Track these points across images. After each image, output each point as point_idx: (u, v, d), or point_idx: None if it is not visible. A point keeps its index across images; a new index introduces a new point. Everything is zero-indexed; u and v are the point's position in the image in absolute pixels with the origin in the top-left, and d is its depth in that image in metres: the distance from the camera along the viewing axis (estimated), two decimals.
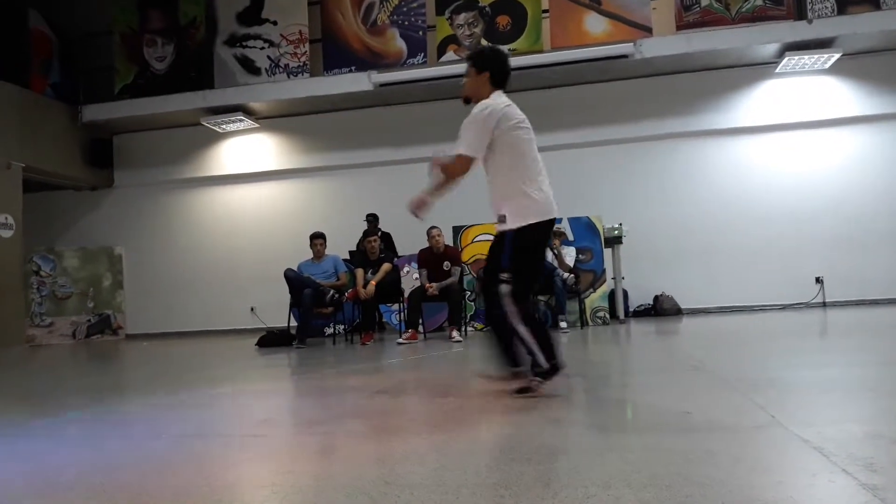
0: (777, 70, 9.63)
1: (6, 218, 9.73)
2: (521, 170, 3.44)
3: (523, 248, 3.42)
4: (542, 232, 3.45)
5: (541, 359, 3.36)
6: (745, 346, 5.66)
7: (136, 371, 6.48)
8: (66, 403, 4.15)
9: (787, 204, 9.78)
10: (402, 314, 8.16)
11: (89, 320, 11.34)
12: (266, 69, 10.56)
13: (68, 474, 2.36)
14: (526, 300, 3.43)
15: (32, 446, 2.92)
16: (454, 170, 3.46)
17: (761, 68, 9.78)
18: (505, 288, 3.34)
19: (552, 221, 3.46)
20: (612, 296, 8.91)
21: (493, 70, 3.55)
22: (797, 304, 9.62)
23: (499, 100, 3.49)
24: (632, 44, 9.30)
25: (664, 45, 9.38)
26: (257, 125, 11.23)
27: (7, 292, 9.51)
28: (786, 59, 9.25)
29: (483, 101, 3.47)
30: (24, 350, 9.61)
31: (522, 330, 3.35)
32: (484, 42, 9.78)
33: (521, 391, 3.38)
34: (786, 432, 2.40)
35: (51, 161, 10.74)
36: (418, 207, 3.58)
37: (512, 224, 3.41)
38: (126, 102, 11.02)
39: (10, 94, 10.08)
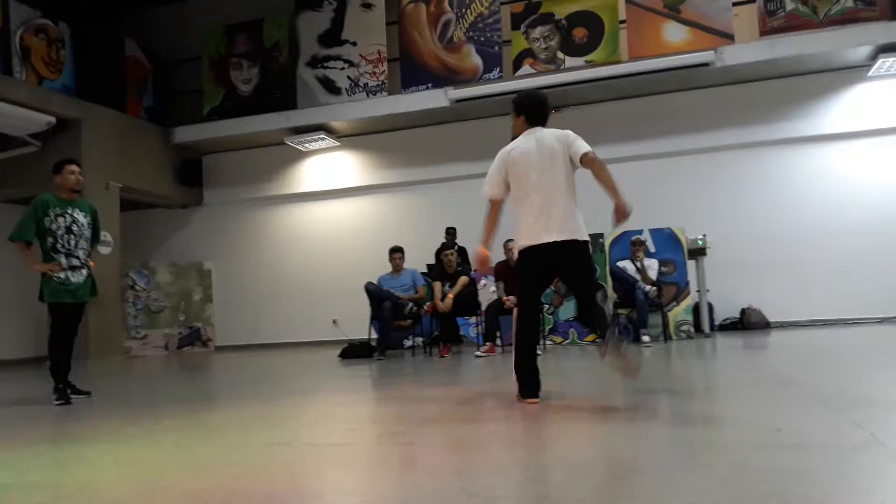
0: (869, 73, 9.21)
1: (105, 235, 10.27)
2: (516, 202, 3.90)
3: (517, 271, 3.99)
4: (527, 258, 3.83)
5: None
6: (839, 361, 5.41)
7: (225, 381, 6.72)
8: (161, 411, 4.34)
9: (882, 212, 9.30)
10: (479, 327, 8.18)
11: (181, 333, 11.83)
12: (346, 89, 10.85)
13: (166, 478, 2.48)
14: (525, 317, 3.85)
15: (132, 451, 3.08)
16: (488, 214, 4.00)
17: (852, 72, 9.37)
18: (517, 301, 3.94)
19: (537, 248, 3.75)
20: (696, 309, 8.66)
21: (526, 113, 4.02)
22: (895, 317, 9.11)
23: (514, 143, 3.97)
24: (712, 51, 9.09)
25: (747, 51, 9.13)
26: (338, 143, 11.52)
27: (107, 306, 10.03)
28: (879, 61, 8.85)
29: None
30: (121, 361, 10.12)
31: (515, 339, 3.86)
32: (560, 55, 9.76)
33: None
34: (888, 452, 2.29)
35: (145, 181, 11.31)
36: (482, 263, 4.05)
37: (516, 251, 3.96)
38: (214, 124, 11.52)
39: (111, 119, 10.70)
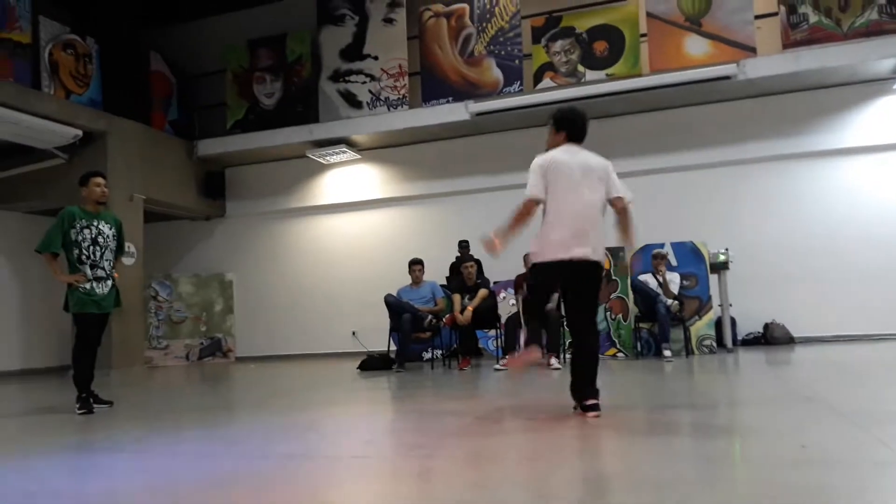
0: (895, 86, 9.10)
1: (129, 246, 10.39)
2: (548, 211, 3.82)
3: (535, 280, 3.99)
4: (550, 269, 3.81)
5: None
6: (864, 378, 5.32)
7: (245, 392, 6.76)
8: (182, 422, 4.38)
9: None
10: (499, 340, 8.15)
11: (202, 343, 11.92)
12: (367, 102, 10.92)
13: (186, 488, 2.49)
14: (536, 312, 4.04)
15: (152, 461, 3.10)
16: (520, 212, 3.83)
17: (877, 85, 9.26)
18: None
19: (565, 262, 3.73)
20: (718, 323, 8.57)
21: (568, 130, 3.96)
22: None
23: (554, 153, 3.90)
24: (735, 64, 9.03)
25: (769, 64, 9.06)
26: (359, 156, 11.59)
27: (129, 316, 10.13)
28: None
29: (540, 155, 3.93)
30: (142, 370, 10.20)
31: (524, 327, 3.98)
32: (580, 68, 9.77)
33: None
34: None
35: (169, 193, 11.44)
36: (490, 249, 3.95)
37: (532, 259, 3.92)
38: (237, 137, 11.64)
39: (136, 132, 10.86)
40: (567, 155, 3.87)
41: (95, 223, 5.19)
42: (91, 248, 5.13)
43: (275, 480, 2.56)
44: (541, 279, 3.89)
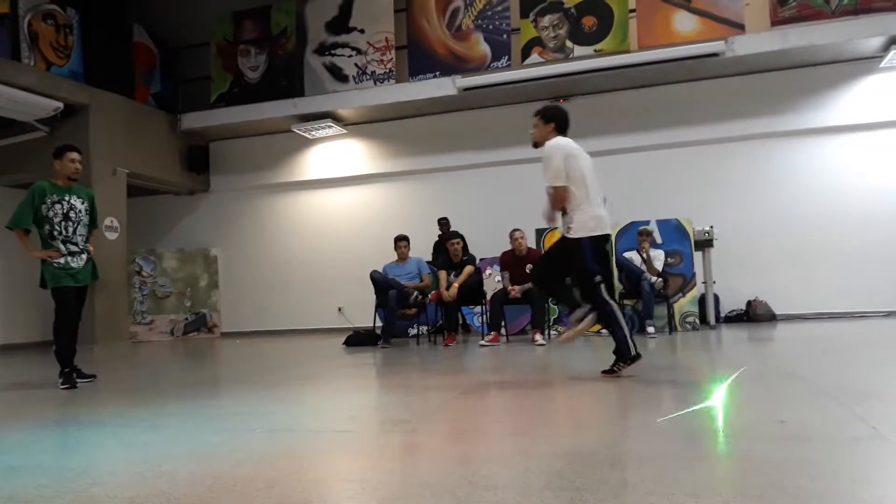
0: (882, 65, 9.11)
1: (112, 221, 10.32)
2: (580, 190, 4.28)
3: (589, 254, 4.31)
4: (598, 241, 4.33)
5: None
6: (844, 355, 5.39)
7: (230, 368, 6.75)
8: (167, 397, 4.37)
9: (891, 205, 9.22)
10: (484, 316, 8.18)
11: (187, 318, 11.88)
12: (353, 76, 10.81)
13: (170, 462, 2.49)
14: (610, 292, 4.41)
15: (137, 436, 3.10)
16: (556, 199, 4.30)
17: (864, 63, 9.28)
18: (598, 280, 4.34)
19: (605, 236, 4.36)
20: (702, 300, 8.64)
21: (558, 122, 4.50)
22: None
23: (563, 140, 4.40)
24: (723, 41, 9.00)
25: (758, 42, 9.04)
26: (345, 131, 11.50)
27: (113, 291, 10.07)
28: (892, 52, 8.74)
29: (551, 141, 4.38)
30: (127, 346, 10.16)
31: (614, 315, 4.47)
32: (569, 43, 9.69)
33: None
34: (890, 445, 2.28)
35: (152, 167, 11.32)
36: (550, 221, 4.48)
37: (575, 234, 4.30)
38: (222, 110, 11.51)
39: (118, 105, 10.70)
40: (570, 142, 4.39)
41: (67, 198, 5.12)
42: (63, 223, 5.07)
43: (258, 454, 2.56)
44: (596, 249, 4.35)
